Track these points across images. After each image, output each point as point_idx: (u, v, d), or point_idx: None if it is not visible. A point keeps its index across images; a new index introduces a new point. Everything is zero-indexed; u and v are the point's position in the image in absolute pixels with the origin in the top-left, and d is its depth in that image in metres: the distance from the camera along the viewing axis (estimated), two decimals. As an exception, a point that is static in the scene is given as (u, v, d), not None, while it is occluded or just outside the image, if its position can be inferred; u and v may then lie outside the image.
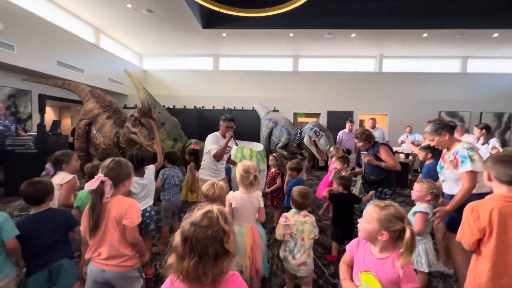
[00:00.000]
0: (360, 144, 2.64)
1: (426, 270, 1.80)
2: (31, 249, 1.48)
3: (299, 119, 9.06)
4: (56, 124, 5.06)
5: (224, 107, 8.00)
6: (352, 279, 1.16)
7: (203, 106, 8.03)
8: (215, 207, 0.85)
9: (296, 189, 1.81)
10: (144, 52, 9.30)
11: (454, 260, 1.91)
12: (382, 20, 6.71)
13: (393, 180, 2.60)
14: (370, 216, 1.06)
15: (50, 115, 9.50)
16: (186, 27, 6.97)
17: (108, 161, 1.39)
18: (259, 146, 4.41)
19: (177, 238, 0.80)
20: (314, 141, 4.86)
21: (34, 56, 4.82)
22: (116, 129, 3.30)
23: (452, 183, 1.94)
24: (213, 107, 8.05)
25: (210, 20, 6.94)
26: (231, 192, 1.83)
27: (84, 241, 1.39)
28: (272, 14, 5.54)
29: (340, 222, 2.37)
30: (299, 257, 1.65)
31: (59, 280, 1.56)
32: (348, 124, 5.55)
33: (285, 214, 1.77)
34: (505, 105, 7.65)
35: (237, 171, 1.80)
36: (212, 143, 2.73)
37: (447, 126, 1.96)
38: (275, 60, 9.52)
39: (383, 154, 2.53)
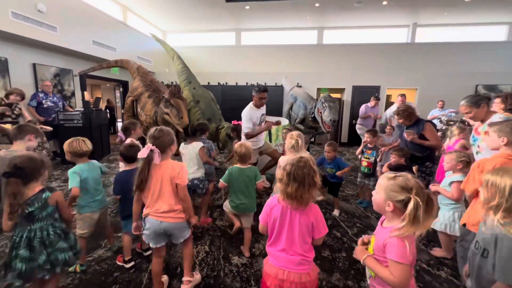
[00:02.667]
0: (401, 121, 2.70)
1: (458, 234, 1.90)
2: (131, 196, 1.83)
3: (322, 95, 8.92)
4: (97, 101, 5.53)
5: (247, 83, 8.07)
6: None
7: (226, 83, 8.16)
8: (305, 154, 1.27)
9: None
10: (168, 28, 9.39)
11: None
12: (418, -16, 6.16)
13: (435, 155, 2.73)
14: (379, 186, 1.06)
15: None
16: (210, 1, 6.91)
17: (152, 130, 1.55)
18: (284, 121, 4.54)
19: (280, 174, 1.23)
20: (321, 112, 4.75)
21: (73, 36, 5.16)
22: (155, 108, 3.58)
23: (487, 154, 1.98)
24: (236, 83, 8.15)
25: (234, -7, 6.79)
26: (283, 156, 2.29)
27: (137, 198, 1.59)
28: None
29: None
30: None
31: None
32: (373, 101, 5.44)
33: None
34: (555, 77, 6.95)
35: (288, 139, 2.20)
36: (246, 121, 2.90)
37: (485, 98, 2.04)
38: (298, 33, 9.20)
39: (428, 132, 2.58)
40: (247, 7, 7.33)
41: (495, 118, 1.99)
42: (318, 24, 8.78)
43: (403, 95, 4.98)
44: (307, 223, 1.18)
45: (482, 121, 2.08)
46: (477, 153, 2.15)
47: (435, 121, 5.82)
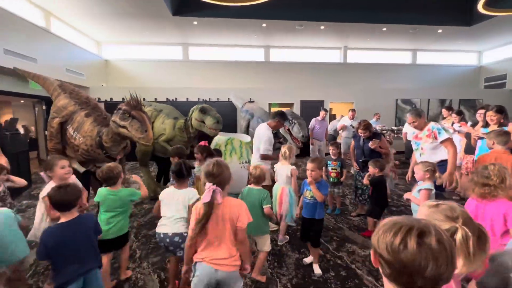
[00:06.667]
0: (366, 134, 3.07)
1: None
2: (68, 258, 1.40)
3: (273, 109, 9.28)
4: (13, 122, 4.42)
5: (198, 98, 7.76)
6: None
7: (176, 98, 7.69)
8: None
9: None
10: (103, 39, 8.44)
11: None
12: (348, 13, 7.15)
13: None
14: (419, 215, 0.95)
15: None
16: (154, 13, 6.53)
17: (210, 167, 1.35)
18: (247, 138, 4.48)
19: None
20: (289, 129, 5.02)
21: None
22: (97, 128, 3.01)
23: (430, 153, 2.53)
24: (187, 98, 7.76)
25: (181, 7, 6.59)
26: (278, 164, 2.66)
27: (191, 244, 1.38)
28: (246, 4, 5.49)
29: (380, 200, 2.73)
30: None
31: None
32: (322, 113, 5.84)
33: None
34: (447, 92, 8.89)
35: (282, 149, 2.67)
36: (267, 142, 2.86)
37: (423, 111, 2.67)
38: (245, 50, 9.48)
39: (383, 143, 3.12)
40: (195, 23, 7.20)
41: (429, 125, 2.58)
42: (265, 43, 9.24)
43: (354, 110, 5.57)
44: (496, 214, 1.42)
45: (421, 129, 2.63)
46: (420, 155, 2.64)
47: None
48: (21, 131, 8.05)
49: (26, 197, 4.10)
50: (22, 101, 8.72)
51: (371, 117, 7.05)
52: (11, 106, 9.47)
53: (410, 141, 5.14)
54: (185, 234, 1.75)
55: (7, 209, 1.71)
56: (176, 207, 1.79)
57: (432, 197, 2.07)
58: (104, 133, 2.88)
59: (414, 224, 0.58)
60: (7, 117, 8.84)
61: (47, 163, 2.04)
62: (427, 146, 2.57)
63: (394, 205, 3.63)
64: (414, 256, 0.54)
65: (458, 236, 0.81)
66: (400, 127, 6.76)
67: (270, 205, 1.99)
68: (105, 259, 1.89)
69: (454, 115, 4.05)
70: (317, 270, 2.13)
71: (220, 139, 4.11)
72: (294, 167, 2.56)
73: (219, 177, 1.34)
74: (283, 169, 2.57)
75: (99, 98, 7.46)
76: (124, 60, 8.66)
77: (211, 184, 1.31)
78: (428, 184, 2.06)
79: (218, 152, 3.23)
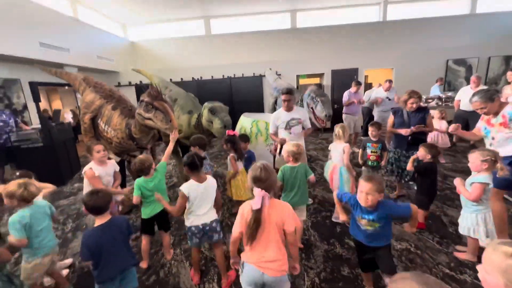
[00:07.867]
0: (417, 105, 2.81)
1: (485, 241, 1.82)
2: (107, 258, 1.50)
3: (301, 81, 8.74)
4: (57, 113, 4.82)
5: (223, 75, 7.61)
6: None
7: (201, 77, 7.62)
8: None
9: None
10: (128, 21, 8.45)
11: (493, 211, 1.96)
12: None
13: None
14: (491, 263, 0.76)
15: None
16: (172, -13, 6.23)
17: (258, 172, 1.33)
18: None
19: None
20: (312, 108, 4.64)
21: (15, 40, 4.34)
22: (125, 120, 3.08)
23: (503, 143, 2.00)
24: (212, 76, 7.65)
25: (199, -23, 6.16)
26: (333, 143, 2.77)
27: (234, 240, 1.43)
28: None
29: (428, 190, 2.44)
30: None
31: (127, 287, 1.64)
32: (354, 86, 5.31)
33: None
34: (515, 47, 7.35)
35: (335, 129, 2.72)
36: (271, 123, 3.09)
37: (496, 92, 2.04)
38: (271, 17, 8.76)
39: (430, 119, 2.85)
40: (215, -8, 6.73)
41: (505, 110, 1.94)
42: (291, 7, 8.41)
43: (391, 81, 4.97)
44: None
45: (496, 113, 2.06)
46: (490, 145, 2.14)
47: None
48: (70, 115, 8.88)
49: (76, 180, 4.59)
50: (66, 88, 9.49)
51: (412, 84, 6.21)
52: (58, 93, 10.41)
53: (462, 110, 4.52)
54: (218, 219, 1.98)
55: (46, 201, 1.94)
56: (209, 202, 1.89)
57: (487, 192, 1.76)
58: (132, 124, 2.95)
59: None
60: (57, 103, 9.76)
61: (87, 148, 2.50)
62: (500, 136, 2.03)
63: (438, 187, 3.26)
64: None
65: None
66: (449, 93, 5.85)
67: (313, 174, 2.19)
68: (147, 239, 2.21)
69: None
70: None
71: (245, 121, 4.01)
72: (347, 144, 2.59)
73: (267, 181, 1.33)
74: (338, 147, 2.65)
75: (130, 82, 7.73)
76: (149, 40, 8.67)
77: (260, 189, 1.28)
78: (484, 177, 1.71)
79: (245, 137, 3.12)
